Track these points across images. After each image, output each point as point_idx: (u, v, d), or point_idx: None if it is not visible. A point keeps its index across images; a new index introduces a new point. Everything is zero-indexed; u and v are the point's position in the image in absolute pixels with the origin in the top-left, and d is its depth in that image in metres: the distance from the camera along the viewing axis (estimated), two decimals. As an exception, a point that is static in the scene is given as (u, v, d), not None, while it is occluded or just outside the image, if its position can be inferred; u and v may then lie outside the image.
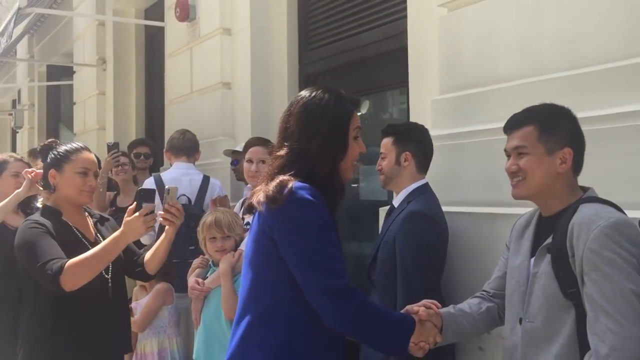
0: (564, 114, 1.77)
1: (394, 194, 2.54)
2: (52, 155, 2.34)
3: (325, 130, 1.66)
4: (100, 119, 7.37)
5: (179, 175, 3.63)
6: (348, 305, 1.58)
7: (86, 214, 2.44)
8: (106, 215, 2.64)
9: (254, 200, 1.66)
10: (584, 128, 1.82)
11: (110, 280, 2.31)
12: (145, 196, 2.19)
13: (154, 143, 5.05)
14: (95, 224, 2.44)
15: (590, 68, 2.17)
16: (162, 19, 5.75)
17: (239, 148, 3.59)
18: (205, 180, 3.68)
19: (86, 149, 2.41)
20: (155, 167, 5.16)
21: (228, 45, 4.64)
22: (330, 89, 1.74)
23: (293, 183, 1.61)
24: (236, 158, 3.68)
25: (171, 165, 3.86)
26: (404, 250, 2.32)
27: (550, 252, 1.65)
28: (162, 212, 2.22)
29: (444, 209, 2.47)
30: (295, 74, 4.39)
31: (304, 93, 1.75)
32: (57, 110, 10.53)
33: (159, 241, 2.34)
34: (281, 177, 1.63)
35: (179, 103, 5.30)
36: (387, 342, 1.68)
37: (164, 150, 3.97)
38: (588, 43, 2.19)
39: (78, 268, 2.08)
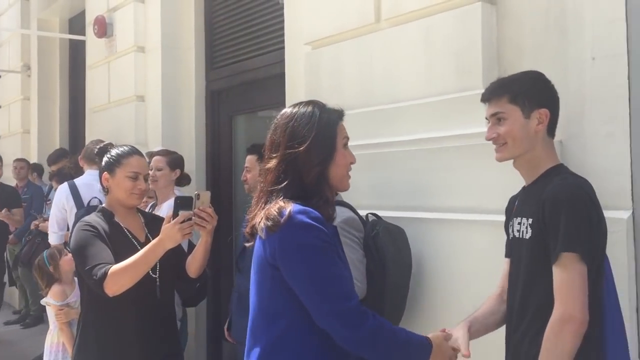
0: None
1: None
2: (106, 159, 2.42)
3: (312, 135, 1.63)
4: (24, 123, 7.63)
5: (91, 181, 4.06)
6: (362, 330, 1.53)
7: (139, 214, 2.52)
8: (159, 216, 2.70)
9: (255, 225, 1.63)
10: (396, 149, 2.45)
11: (158, 279, 2.34)
12: (182, 204, 2.19)
13: (76, 148, 5.45)
14: (146, 224, 2.48)
15: (403, 103, 2.81)
16: (85, 30, 6.13)
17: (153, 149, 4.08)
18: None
19: (137, 152, 2.47)
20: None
21: (142, 61, 5.11)
22: (314, 102, 1.73)
23: (291, 207, 1.56)
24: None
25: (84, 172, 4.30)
26: None
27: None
28: (193, 217, 2.18)
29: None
30: (202, 90, 4.91)
31: (288, 108, 1.73)
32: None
33: (197, 246, 2.36)
34: (280, 202, 1.58)
35: (99, 112, 5.72)
36: None
37: (79, 157, 4.39)
38: (403, 83, 2.83)
39: (120, 275, 2.13)
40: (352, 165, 1.76)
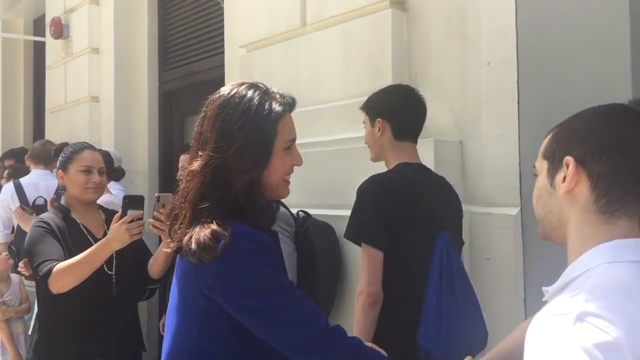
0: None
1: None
2: (60, 158, 2.43)
3: (244, 134, 1.31)
4: (-12, 123, 7.66)
5: (37, 180, 4.14)
6: (338, 347, 1.34)
7: (100, 211, 2.49)
8: None
9: (183, 245, 1.31)
10: (318, 149, 2.56)
11: (114, 276, 2.32)
12: (131, 203, 2.12)
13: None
14: (106, 221, 2.43)
15: (325, 105, 2.92)
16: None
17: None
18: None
19: (89, 147, 2.46)
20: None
21: (96, 63, 5.19)
22: (256, 85, 1.40)
23: (229, 231, 1.28)
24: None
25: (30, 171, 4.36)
26: None
27: None
28: (151, 220, 2.11)
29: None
30: (155, 91, 4.99)
31: (224, 90, 1.40)
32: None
33: (158, 249, 2.33)
34: (212, 226, 1.28)
35: (56, 112, 5.78)
36: None
37: (25, 157, 4.45)
38: (325, 85, 2.95)
39: (63, 273, 2.11)
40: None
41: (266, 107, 1.34)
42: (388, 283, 1.95)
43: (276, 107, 1.37)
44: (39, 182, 4.14)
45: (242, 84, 1.40)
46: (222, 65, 4.05)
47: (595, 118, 1.01)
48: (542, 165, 1.05)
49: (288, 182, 1.44)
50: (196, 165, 1.34)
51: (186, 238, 1.30)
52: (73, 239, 2.29)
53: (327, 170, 2.88)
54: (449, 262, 1.93)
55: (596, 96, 2.11)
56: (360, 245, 2.02)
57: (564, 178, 0.98)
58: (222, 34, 3.94)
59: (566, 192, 0.99)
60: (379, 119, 2.16)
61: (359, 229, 2.00)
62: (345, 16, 2.85)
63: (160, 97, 4.98)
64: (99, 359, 2.29)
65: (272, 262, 1.32)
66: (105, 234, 2.29)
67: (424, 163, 2.33)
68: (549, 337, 0.85)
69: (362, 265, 1.97)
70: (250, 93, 1.36)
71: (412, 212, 2.00)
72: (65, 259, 2.18)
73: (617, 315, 0.82)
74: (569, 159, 0.98)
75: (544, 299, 1.00)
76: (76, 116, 5.36)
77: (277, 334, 1.32)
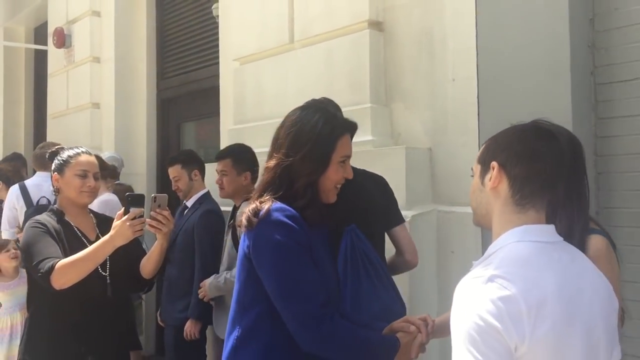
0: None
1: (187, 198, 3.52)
2: (56, 161, 2.45)
3: (310, 145, 1.64)
4: (-10, 127, 7.92)
5: (40, 182, 4.40)
6: (316, 332, 1.56)
7: (91, 215, 2.53)
8: (111, 217, 2.59)
9: (241, 220, 1.66)
10: None
11: (108, 277, 2.34)
12: (133, 201, 2.18)
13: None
14: (98, 225, 2.48)
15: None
16: (47, 40, 6.47)
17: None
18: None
19: (86, 152, 2.49)
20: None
21: (97, 71, 5.48)
22: (324, 110, 1.73)
23: (270, 204, 1.60)
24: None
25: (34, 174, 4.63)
26: (202, 236, 3.29)
27: None
28: (148, 220, 2.18)
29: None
30: (153, 98, 5.29)
31: (298, 110, 1.74)
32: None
33: (153, 247, 2.37)
34: (261, 199, 1.64)
35: (58, 117, 6.06)
36: None
37: (32, 161, 4.72)
38: (310, 96, 3.24)
39: (67, 269, 2.14)
40: None
41: (328, 128, 1.67)
42: None
43: (339, 128, 1.70)
44: (42, 183, 4.41)
45: (312, 106, 1.79)
46: (217, 76, 4.35)
47: (514, 134, 1.32)
48: (476, 168, 1.36)
49: (337, 190, 1.74)
50: (271, 163, 1.68)
51: (244, 214, 1.65)
52: (68, 240, 2.32)
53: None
54: (354, 252, 2.19)
55: (542, 108, 2.45)
56: None
57: (491, 178, 1.29)
58: (217, 46, 4.24)
59: (491, 189, 1.29)
60: None
61: None
62: (328, 35, 3.16)
63: (158, 104, 5.28)
64: (93, 358, 2.32)
65: (296, 237, 1.58)
66: (97, 237, 2.36)
67: (396, 168, 2.64)
68: (468, 293, 1.16)
69: None
70: (320, 113, 1.69)
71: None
72: (62, 257, 2.21)
73: (516, 278, 1.13)
74: (494, 163, 1.29)
75: (471, 269, 1.31)
76: (78, 122, 5.64)
77: (274, 298, 1.58)
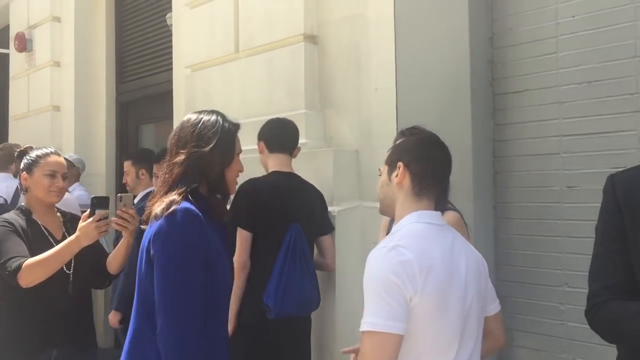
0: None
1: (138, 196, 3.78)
2: (25, 160, 2.48)
3: (217, 138, 1.79)
4: (-48, 129, 7.98)
5: (-3, 182, 4.60)
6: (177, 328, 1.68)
7: (58, 214, 2.57)
8: (78, 215, 2.64)
9: (151, 212, 1.77)
10: (244, 156, 3.12)
11: (71, 275, 2.39)
12: (98, 203, 2.26)
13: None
14: (64, 223, 2.53)
15: (254, 119, 3.51)
16: (9, 43, 6.61)
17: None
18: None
19: (55, 153, 2.53)
20: None
21: (57, 75, 5.67)
22: (216, 111, 1.90)
23: (179, 204, 1.72)
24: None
25: None
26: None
27: None
28: (115, 218, 2.25)
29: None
30: (112, 102, 5.51)
31: (192, 114, 1.89)
32: None
33: (119, 244, 2.42)
34: (174, 196, 1.74)
35: (19, 119, 6.22)
36: None
37: (-7, 162, 4.90)
38: (253, 103, 3.54)
39: (33, 268, 2.21)
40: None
41: (227, 125, 1.88)
42: (253, 256, 2.63)
43: (234, 125, 1.91)
44: (0, 183, 4.61)
45: (205, 111, 1.91)
46: (171, 81, 4.61)
47: (414, 141, 1.69)
48: (384, 169, 1.71)
49: (236, 183, 1.95)
50: (178, 158, 1.80)
51: (155, 207, 1.77)
52: (35, 238, 2.38)
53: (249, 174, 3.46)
54: (295, 246, 2.61)
55: (449, 115, 2.79)
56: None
57: (397, 175, 1.62)
58: (171, 53, 4.50)
59: (397, 183, 1.62)
60: (259, 141, 2.87)
61: (235, 216, 2.63)
62: (269, 46, 3.45)
63: (117, 107, 5.51)
64: (54, 351, 2.37)
65: (188, 238, 1.71)
66: (64, 235, 2.44)
67: (326, 168, 2.94)
68: (375, 258, 1.49)
69: (237, 242, 2.64)
70: (216, 115, 1.88)
71: (270, 206, 2.65)
72: (28, 256, 2.27)
73: (412, 247, 1.47)
74: (400, 163, 1.62)
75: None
76: (39, 124, 5.82)
77: (157, 290, 1.68)
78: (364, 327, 1.43)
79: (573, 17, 2.56)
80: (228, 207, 2.96)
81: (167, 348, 1.66)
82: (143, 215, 1.88)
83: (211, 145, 1.79)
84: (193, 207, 1.73)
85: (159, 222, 1.71)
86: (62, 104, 5.65)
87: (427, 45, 2.79)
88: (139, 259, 1.81)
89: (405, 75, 2.87)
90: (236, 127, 1.91)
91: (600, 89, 2.47)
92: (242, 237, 2.65)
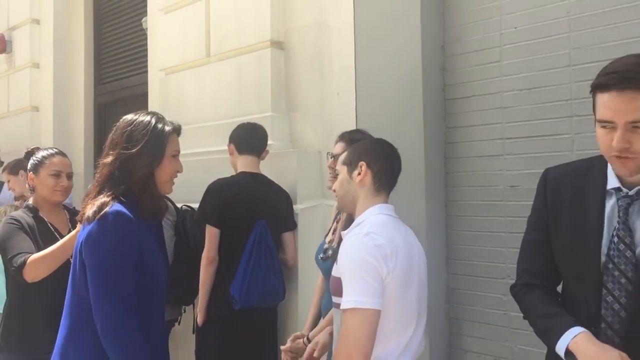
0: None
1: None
2: (32, 161, 2.60)
3: (145, 140, 1.83)
4: None
5: (-17, 184, 4.72)
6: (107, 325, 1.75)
7: (64, 211, 2.68)
8: None
9: (83, 214, 1.83)
10: (199, 158, 3.28)
11: None
12: None
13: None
14: (71, 220, 2.63)
15: (224, 121, 3.67)
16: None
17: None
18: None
19: (60, 153, 2.64)
20: None
21: (36, 76, 5.78)
22: (154, 113, 1.97)
23: (110, 206, 1.77)
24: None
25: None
26: None
27: None
28: None
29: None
30: (90, 102, 5.64)
31: (132, 115, 1.95)
32: None
33: None
34: (105, 198, 1.79)
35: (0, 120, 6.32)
36: None
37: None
38: (223, 105, 3.69)
39: (38, 263, 2.31)
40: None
41: (161, 126, 1.92)
42: (220, 251, 2.80)
43: (168, 127, 1.95)
44: (-17, 185, 4.73)
45: (143, 111, 1.99)
46: (147, 83, 4.74)
47: (371, 144, 1.92)
48: (342, 168, 1.90)
49: (173, 183, 1.98)
50: (107, 159, 1.87)
51: (87, 208, 1.82)
52: (42, 235, 2.48)
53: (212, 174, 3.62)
54: (260, 241, 2.79)
55: (403, 119, 2.96)
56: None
57: (359, 173, 1.82)
58: (147, 56, 4.63)
59: (359, 181, 1.82)
60: (229, 144, 3.05)
61: (203, 214, 2.82)
62: (238, 51, 3.61)
63: (95, 108, 5.64)
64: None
65: (119, 240, 1.76)
66: (70, 231, 2.52)
67: (291, 169, 3.09)
68: (353, 243, 1.68)
69: (206, 238, 2.82)
70: (150, 116, 1.94)
71: (237, 204, 2.82)
72: (35, 252, 2.38)
73: (382, 234, 1.68)
74: (362, 163, 1.83)
75: (343, 235, 1.82)
76: (18, 124, 5.92)
77: (91, 292, 1.74)
78: (348, 304, 1.60)
79: (515, 28, 2.75)
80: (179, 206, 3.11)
81: (112, 344, 1.73)
82: (77, 216, 1.96)
83: (139, 147, 1.83)
84: (124, 209, 1.78)
85: (91, 225, 1.76)
86: (41, 105, 5.76)
87: (384, 52, 2.96)
88: (72, 260, 1.88)
89: (364, 80, 3.04)
90: (175, 128, 1.97)
91: (539, 95, 2.66)
92: (211, 234, 2.82)
